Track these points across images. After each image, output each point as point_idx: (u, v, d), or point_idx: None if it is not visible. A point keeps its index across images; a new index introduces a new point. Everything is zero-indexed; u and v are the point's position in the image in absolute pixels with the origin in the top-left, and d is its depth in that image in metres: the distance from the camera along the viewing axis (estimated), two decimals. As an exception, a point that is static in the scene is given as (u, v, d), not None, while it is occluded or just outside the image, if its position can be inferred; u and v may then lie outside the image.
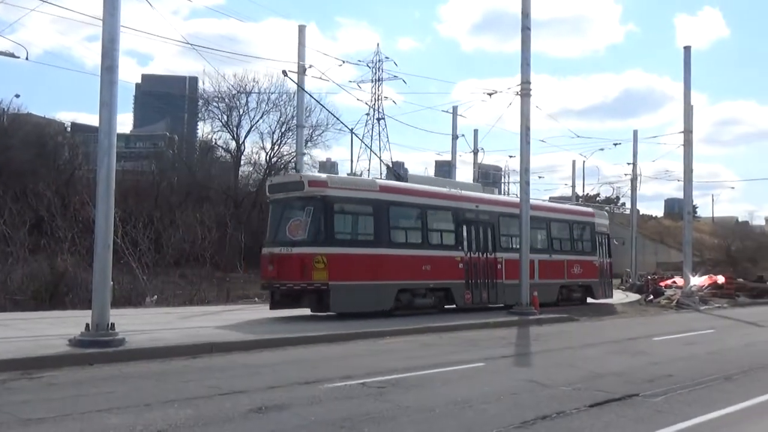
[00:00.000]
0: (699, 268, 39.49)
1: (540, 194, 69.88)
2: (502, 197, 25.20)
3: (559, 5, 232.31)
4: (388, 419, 7.40)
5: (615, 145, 46.39)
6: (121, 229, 24.71)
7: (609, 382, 9.92)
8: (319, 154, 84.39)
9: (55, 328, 13.71)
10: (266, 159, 54.66)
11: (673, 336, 17.25)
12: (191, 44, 44.36)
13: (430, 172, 72.08)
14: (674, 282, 35.67)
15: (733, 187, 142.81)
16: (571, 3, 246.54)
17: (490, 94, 27.42)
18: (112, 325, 11.95)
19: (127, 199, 35.46)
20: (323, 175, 20.77)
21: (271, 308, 18.81)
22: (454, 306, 20.87)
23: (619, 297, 31.25)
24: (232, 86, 54.37)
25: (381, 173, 63.44)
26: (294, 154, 33.72)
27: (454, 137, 37.62)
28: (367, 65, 60.62)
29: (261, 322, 16.89)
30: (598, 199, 67.76)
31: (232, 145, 56.36)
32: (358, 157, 59.66)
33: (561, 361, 12.25)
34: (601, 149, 53.02)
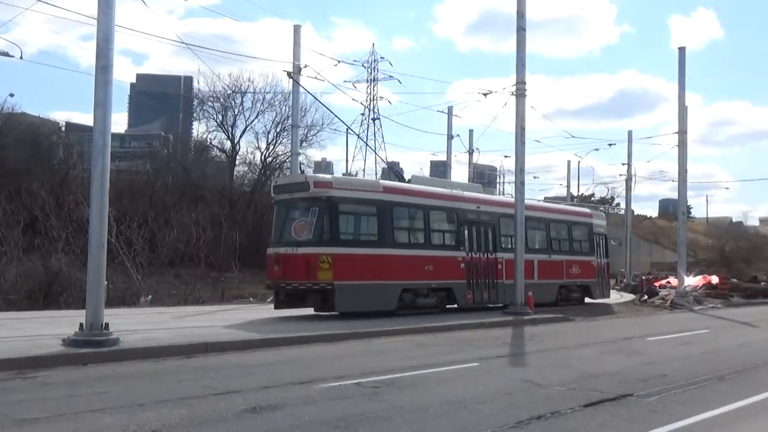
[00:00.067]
0: (693, 269, 39.54)
1: (535, 194, 69.90)
2: (502, 198, 25.40)
3: (554, 6, 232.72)
4: (383, 419, 7.39)
5: (610, 145, 46.57)
6: (116, 229, 24.67)
7: (604, 382, 9.93)
8: (314, 154, 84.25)
9: (48, 328, 13.67)
10: (261, 159, 54.73)
11: (668, 336, 17.29)
12: (186, 44, 44.16)
13: (425, 172, 72.22)
14: (668, 282, 35.78)
15: (727, 188, 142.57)
16: (566, 3, 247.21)
17: (485, 95, 27.47)
18: (106, 324, 11.92)
19: (121, 199, 35.44)
20: (328, 176, 20.93)
21: (275, 308, 18.92)
22: (456, 306, 20.99)
23: (613, 297, 31.30)
24: (227, 86, 54.45)
25: (376, 173, 63.50)
26: (289, 153, 33.58)
27: (450, 137, 37.67)
28: (363, 65, 60.48)
29: (256, 322, 16.86)
30: (592, 199, 67.80)
31: (227, 144, 56.40)
32: (354, 157, 59.61)
33: (556, 361, 12.26)
34: (596, 149, 52.77)
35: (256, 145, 55.86)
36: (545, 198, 47.37)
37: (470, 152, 41.69)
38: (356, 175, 54.12)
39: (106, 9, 12.34)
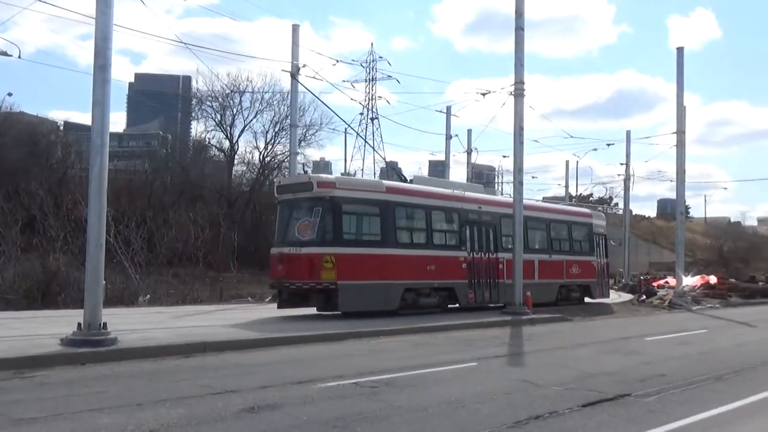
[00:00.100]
0: (691, 269, 39.59)
1: (533, 194, 69.91)
2: (503, 198, 25.55)
3: (552, 5, 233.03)
4: (381, 419, 7.39)
5: (608, 145, 46.59)
6: (114, 229, 24.62)
7: (601, 381, 9.93)
8: (313, 153, 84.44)
9: (47, 328, 13.66)
10: (260, 158, 54.60)
11: (666, 336, 17.30)
12: (185, 43, 43.94)
13: (424, 171, 72.31)
14: (667, 282, 35.82)
15: (725, 188, 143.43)
16: (565, 3, 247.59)
17: (483, 94, 27.52)
18: (104, 324, 11.91)
19: (119, 198, 35.39)
20: (332, 176, 21.03)
21: (278, 307, 18.97)
22: (458, 305, 21.07)
23: (612, 297, 31.32)
24: (226, 85, 54.29)
25: (375, 173, 63.51)
26: (288, 153, 33.57)
27: (448, 137, 37.70)
28: (361, 65, 60.61)
29: (255, 322, 16.86)
30: (591, 199, 67.79)
31: (226, 144, 56.26)
32: (352, 157, 59.66)
33: (554, 361, 12.27)
34: (594, 149, 52.89)
35: (255, 144, 55.75)
36: (543, 198, 47.55)
37: (469, 152, 41.73)
38: (355, 174, 54.14)
39: (104, 8, 12.33)
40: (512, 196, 22.79)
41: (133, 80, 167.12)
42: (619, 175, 48.07)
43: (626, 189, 47.15)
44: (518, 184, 21.98)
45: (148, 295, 24.20)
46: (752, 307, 30.46)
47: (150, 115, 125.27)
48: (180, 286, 27.11)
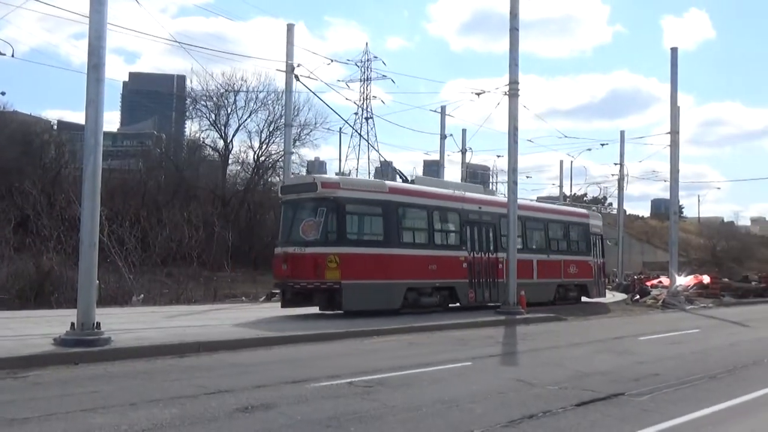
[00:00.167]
0: (685, 268, 39.76)
1: (528, 194, 69.96)
2: (503, 199, 25.65)
3: (547, 5, 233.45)
4: (375, 418, 7.39)
5: (602, 145, 46.64)
6: (108, 228, 24.57)
7: (595, 381, 9.95)
8: (307, 153, 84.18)
9: (40, 328, 13.61)
10: (254, 158, 54.63)
11: (659, 335, 17.36)
12: (179, 42, 44.17)
13: (419, 171, 72.12)
14: (660, 282, 35.89)
15: (719, 188, 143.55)
16: (559, 3, 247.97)
17: (478, 94, 27.48)
18: (98, 324, 11.88)
19: (113, 198, 35.33)
20: (335, 177, 21.19)
21: (282, 306, 19.05)
22: (458, 304, 21.21)
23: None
24: (220, 85, 54.36)
25: (369, 172, 63.50)
26: (282, 153, 33.56)
27: (443, 137, 37.69)
28: (356, 64, 60.70)
29: (249, 322, 16.82)
30: (585, 199, 68.00)
31: (220, 143, 56.30)
32: (347, 156, 59.62)
33: (547, 361, 12.28)
34: (589, 149, 52.96)
35: (249, 144, 55.82)
36: (538, 198, 47.52)
37: (463, 152, 41.73)
38: (349, 174, 54.12)
39: (98, 7, 12.29)
40: (506, 195, 22.84)
41: (127, 79, 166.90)
42: (613, 175, 48.29)
43: (620, 189, 47.28)
44: (512, 184, 22.03)
45: (142, 295, 24.14)
46: (745, 307, 30.58)
47: (144, 115, 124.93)
48: (174, 285, 27.07)
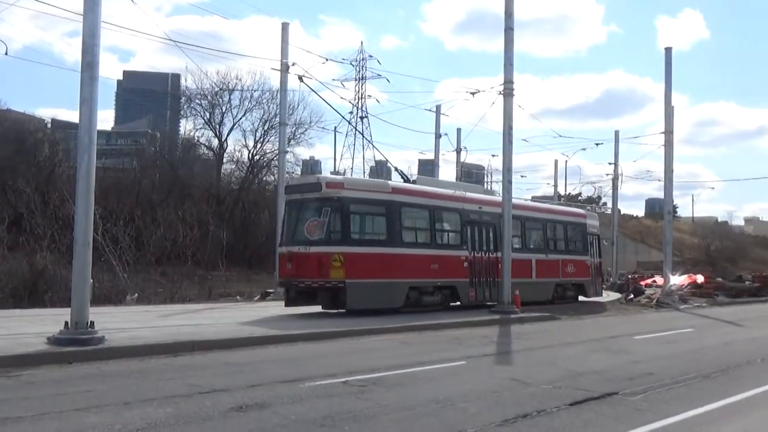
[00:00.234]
0: (679, 268, 39.84)
1: (522, 193, 70.30)
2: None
3: (542, 5, 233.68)
4: (369, 418, 7.39)
5: (597, 145, 46.88)
6: (102, 227, 24.51)
7: (589, 380, 9.97)
8: (302, 152, 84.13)
9: (33, 326, 13.57)
10: (249, 157, 54.51)
11: (653, 335, 17.40)
12: (174, 41, 43.97)
13: (414, 170, 72.14)
14: (654, 281, 35.99)
15: (712, 188, 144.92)
16: (554, 3, 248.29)
17: (473, 94, 27.56)
18: (92, 323, 11.83)
19: (107, 197, 35.24)
20: (339, 177, 21.39)
21: (286, 305, 19.16)
22: (459, 303, 21.32)
23: (600, 296, 31.46)
24: (215, 83, 54.26)
25: (364, 172, 63.46)
26: (277, 151, 33.53)
27: (437, 136, 37.72)
28: (351, 63, 60.44)
29: (244, 321, 16.77)
30: (579, 198, 68.19)
31: (215, 142, 56.18)
32: (342, 156, 59.62)
33: (542, 360, 12.30)
34: (583, 149, 53.35)
35: (244, 143, 55.74)
36: (533, 197, 47.69)
37: (458, 151, 41.78)
38: (344, 173, 54.11)
39: (92, 5, 12.25)
40: (501, 195, 22.89)
41: (121, 78, 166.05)
42: (607, 174, 48.42)
43: (615, 188, 47.44)
44: (507, 184, 22.03)
45: (136, 294, 24.11)
46: (739, 306, 30.68)
47: (138, 113, 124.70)
48: (168, 284, 27.03)
